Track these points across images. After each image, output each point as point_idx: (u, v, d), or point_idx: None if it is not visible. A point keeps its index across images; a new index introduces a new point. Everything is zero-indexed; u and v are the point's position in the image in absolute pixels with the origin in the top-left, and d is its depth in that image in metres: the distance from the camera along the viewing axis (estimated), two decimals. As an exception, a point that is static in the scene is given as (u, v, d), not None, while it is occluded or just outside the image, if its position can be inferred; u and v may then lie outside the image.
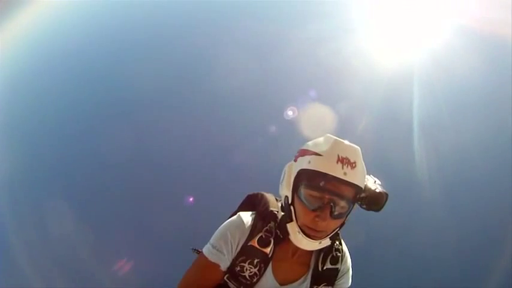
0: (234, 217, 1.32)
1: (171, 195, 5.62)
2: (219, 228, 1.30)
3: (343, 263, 1.37)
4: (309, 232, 1.18)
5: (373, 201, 1.21)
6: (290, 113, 5.75)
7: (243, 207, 1.47)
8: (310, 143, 1.24)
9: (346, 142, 1.18)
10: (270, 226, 1.26)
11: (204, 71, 6.36)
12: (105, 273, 5.12)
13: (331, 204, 1.13)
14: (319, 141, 1.21)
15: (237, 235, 1.25)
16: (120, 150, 5.75)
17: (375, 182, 1.26)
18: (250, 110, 6.01)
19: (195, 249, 1.80)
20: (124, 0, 7.28)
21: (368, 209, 1.22)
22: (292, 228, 1.21)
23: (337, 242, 1.34)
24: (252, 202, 1.42)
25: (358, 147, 1.19)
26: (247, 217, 1.31)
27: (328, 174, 1.11)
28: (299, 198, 1.17)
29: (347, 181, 1.12)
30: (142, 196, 5.89)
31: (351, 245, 1.46)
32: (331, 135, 1.20)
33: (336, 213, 1.14)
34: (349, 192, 1.15)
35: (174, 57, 6.55)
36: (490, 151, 6.11)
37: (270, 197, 1.39)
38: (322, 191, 1.13)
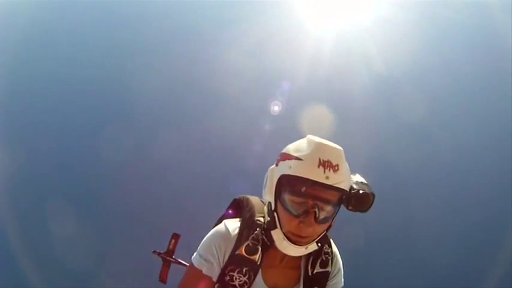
0: (220, 226, 1.30)
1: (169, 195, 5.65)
2: (205, 238, 1.29)
3: (333, 265, 1.36)
4: (294, 238, 1.16)
5: (359, 203, 1.18)
6: (276, 108, 5.74)
7: (230, 212, 1.46)
8: (291, 146, 1.21)
9: (329, 144, 1.15)
10: (256, 234, 1.24)
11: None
12: (106, 273, 5.13)
13: (315, 209, 1.11)
14: (300, 144, 1.19)
15: (223, 245, 1.24)
16: (121, 151, 5.76)
17: (362, 182, 1.24)
18: (241, 109, 6.02)
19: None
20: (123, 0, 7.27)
21: (354, 210, 1.20)
22: (277, 235, 1.19)
23: (326, 245, 1.33)
24: (238, 206, 1.40)
25: (341, 148, 1.16)
26: (232, 225, 1.29)
27: (309, 179, 1.09)
28: (282, 204, 1.15)
29: (330, 185, 1.10)
30: (143, 196, 5.89)
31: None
32: (313, 137, 1.18)
33: (320, 218, 1.13)
34: (333, 196, 1.13)
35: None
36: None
37: (255, 200, 1.36)
38: (305, 197, 1.11)
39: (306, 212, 1.11)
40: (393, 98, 6.32)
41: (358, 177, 1.25)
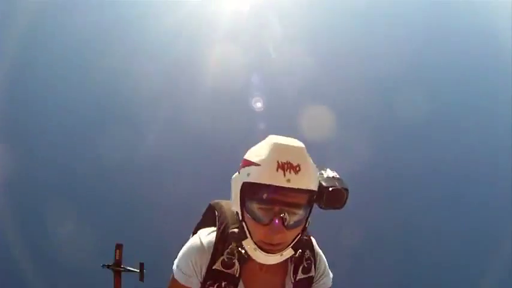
0: (195, 240, 1.25)
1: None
2: (182, 251, 1.25)
3: (316, 269, 1.30)
4: (266, 247, 1.10)
5: (331, 201, 1.12)
6: (258, 104, 5.70)
7: (206, 219, 1.40)
8: (251, 150, 1.14)
9: (288, 143, 1.07)
10: (230, 248, 1.19)
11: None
12: (106, 273, 5.11)
13: (283, 215, 1.04)
14: (259, 148, 1.12)
15: (199, 260, 1.21)
16: (121, 152, 5.75)
17: (333, 177, 1.16)
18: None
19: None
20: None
21: (328, 208, 1.13)
22: (249, 245, 1.14)
23: (308, 251, 1.27)
24: (214, 213, 1.34)
25: (302, 146, 1.09)
26: (207, 238, 1.24)
27: (270, 185, 1.02)
28: (248, 213, 1.09)
29: (293, 188, 1.03)
30: (142, 196, 5.89)
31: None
32: (273, 137, 1.10)
33: (290, 223, 1.06)
34: (300, 199, 1.06)
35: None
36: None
37: (229, 206, 1.27)
38: (269, 203, 1.05)
39: (273, 219, 1.05)
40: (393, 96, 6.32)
41: (328, 173, 1.17)
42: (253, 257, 1.15)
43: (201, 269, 1.21)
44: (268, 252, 1.11)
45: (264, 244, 1.10)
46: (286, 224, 1.05)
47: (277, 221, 1.04)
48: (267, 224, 1.06)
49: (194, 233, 1.37)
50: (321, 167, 1.18)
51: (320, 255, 1.33)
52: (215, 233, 1.24)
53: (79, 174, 6.05)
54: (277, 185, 1.02)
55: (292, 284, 1.24)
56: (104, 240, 5.28)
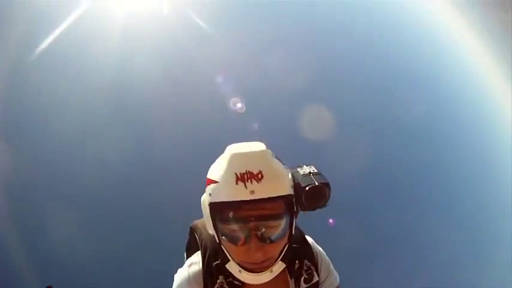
0: (183, 273, 1.17)
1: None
2: (174, 284, 1.17)
3: (320, 273, 1.21)
4: (251, 267, 1.01)
5: (311, 200, 1.00)
6: (239, 105, 5.61)
7: (191, 242, 1.31)
8: (212, 166, 1.04)
9: (244, 151, 0.97)
10: (219, 282, 1.10)
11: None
12: (105, 273, 5.12)
13: (257, 232, 0.94)
14: (218, 162, 1.02)
15: None
16: (121, 152, 5.75)
17: (310, 173, 1.04)
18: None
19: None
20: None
21: (310, 209, 1.03)
22: (233, 268, 1.05)
23: (306, 261, 1.17)
24: (195, 237, 1.25)
25: (262, 149, 0.98)
26: (194, 270, 1.15)
27: (232, 201, 0.93)
28: (222, 235, 1.00)
29: (261, 198, 0.92)
30: (142, 196, 5.88)
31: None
32: (230, 148, 1.01)
33: (270, 237, 0.96)
34: (272, 208, 0.95)
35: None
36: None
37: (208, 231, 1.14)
38: (238, 222, 0.94)
39: (249, 237, 0.95)
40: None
41: (304, 169, 1.06)
42: (242, 279, 1.06)
43: None
44: (253, 272, 1.02)
45: (247, 264, 1.01)
46: (263, 239, 0.96)
47: (253, 239, 0.95)
48: (243, 244, 0.96)
49: (187, 255, 1.30)
50: (297, 165, 1.08)
51: (320, 257, 1.24)
52: (201, 263, 1.16)
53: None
54: (240, 199, 0.93)
55: None
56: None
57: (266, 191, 0.93)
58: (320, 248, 1.27)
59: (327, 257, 1.26)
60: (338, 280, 1.27)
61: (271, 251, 0.99)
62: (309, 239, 1.24)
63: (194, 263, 1.18)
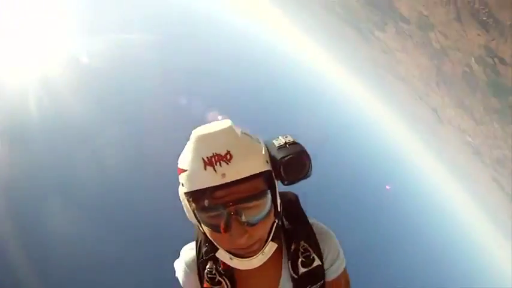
0: (179, 261, 1.16)
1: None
2: (176, 272, 1.18)
3: (325, 258, 1.10)
4: (240, 252, 0.97)
5: (291, 172, 0.94)
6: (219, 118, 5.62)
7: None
8: (182, 154, 0.97)
9: (208, 132, 0.90)
10: (209, 270, 1.06)
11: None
12: (105, 273, 5.13)
13: (237, 216, 0.89)
14: (185, 150, 0.95)
15: (193, 283, 1.13)
16: (121, 152, 5.76)
17: (286, 143, 0.97)
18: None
19: None
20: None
21: (292, 182, 0.96)
22: (222, 255, 1.00)
23: (302, 242, 1.07)
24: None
25: (227, 126, 0.91)
26: (188, 257, 1.14)
27: (205, 188, 0.88)
28: (203, 224, 0.95)
29: (235, 180, 0.87)
30: (142, 197, 5.88)
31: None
32: (195, 131, 0.93)
33: (252, 218, 0.91)
34: (249, 188, 0.90)
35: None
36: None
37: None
38: (216, 209, 0.89)
39: (229, 222, 0.89)
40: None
41: (280, 140, 0.98)
42: (234, 266, 1.01)
43: (197, 286, 1.13)
44: (244, 257, 0.97)
45: (236, 250, 0.97)
46: (244, 223, 0.90)
47: (233, 225, 0.90)
48: (226, 230, 0.90)
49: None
50: (273, 138, 1.00)
51: (324, 239, 1.12)
52: (194, 250, 1.13)
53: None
54: (212, 185, 0.87)
55: (296, 279, 1.08)
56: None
57: (238, 171, 0.88)
58: (327, 230, 1.14)
59: (335, 240, 1.13)
60: (343, 266, 1.14)
61: (257, 234, 0.94)
62: (311, 219, 1.13)
63: (189, 249, 1.15)
